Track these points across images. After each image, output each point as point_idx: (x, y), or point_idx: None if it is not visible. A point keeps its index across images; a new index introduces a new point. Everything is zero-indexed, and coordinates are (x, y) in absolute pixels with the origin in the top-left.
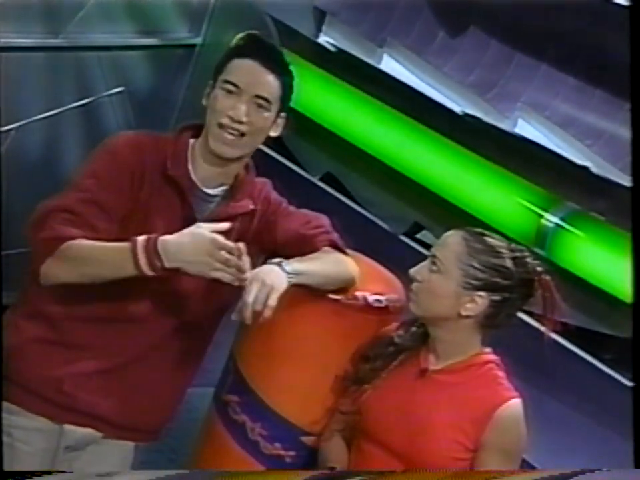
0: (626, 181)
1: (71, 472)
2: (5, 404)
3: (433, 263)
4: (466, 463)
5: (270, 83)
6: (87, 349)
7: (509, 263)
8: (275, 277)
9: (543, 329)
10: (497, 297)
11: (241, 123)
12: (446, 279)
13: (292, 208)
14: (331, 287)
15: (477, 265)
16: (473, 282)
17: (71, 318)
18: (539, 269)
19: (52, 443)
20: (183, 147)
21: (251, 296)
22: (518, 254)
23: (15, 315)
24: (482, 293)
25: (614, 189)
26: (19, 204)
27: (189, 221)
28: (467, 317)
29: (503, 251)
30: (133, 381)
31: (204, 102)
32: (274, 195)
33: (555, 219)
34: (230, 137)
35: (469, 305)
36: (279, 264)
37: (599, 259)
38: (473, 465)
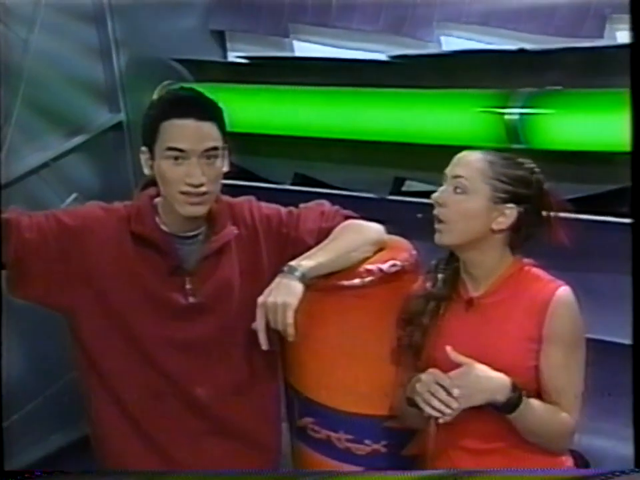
0: (563, 42)
1: (73, 472)
2: None
3: (456, 186)
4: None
5: (210, 131)
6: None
7: (527, 173)
8: (285, 290)
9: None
10: (521, 209)
11: (201, 185)
12: (475, 198)
13: (293, 210)
14: (363, 253)
15: (503, 178)
16: (502, 195)
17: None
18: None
19: None
20: (146, 203)
21: (261, 322)
22: (531, 165)
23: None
24: (511, 205)
25: (557, 56)
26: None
27: (176, 268)
28: (500, 231)
29: (521, 161)
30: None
31: (147, 171)
32: (266, 209)
33: (517, 110)
34: (196, 199)
35: (500, 219)
36: (288, 271)
37: (577, 125)
38: (538, 362)
